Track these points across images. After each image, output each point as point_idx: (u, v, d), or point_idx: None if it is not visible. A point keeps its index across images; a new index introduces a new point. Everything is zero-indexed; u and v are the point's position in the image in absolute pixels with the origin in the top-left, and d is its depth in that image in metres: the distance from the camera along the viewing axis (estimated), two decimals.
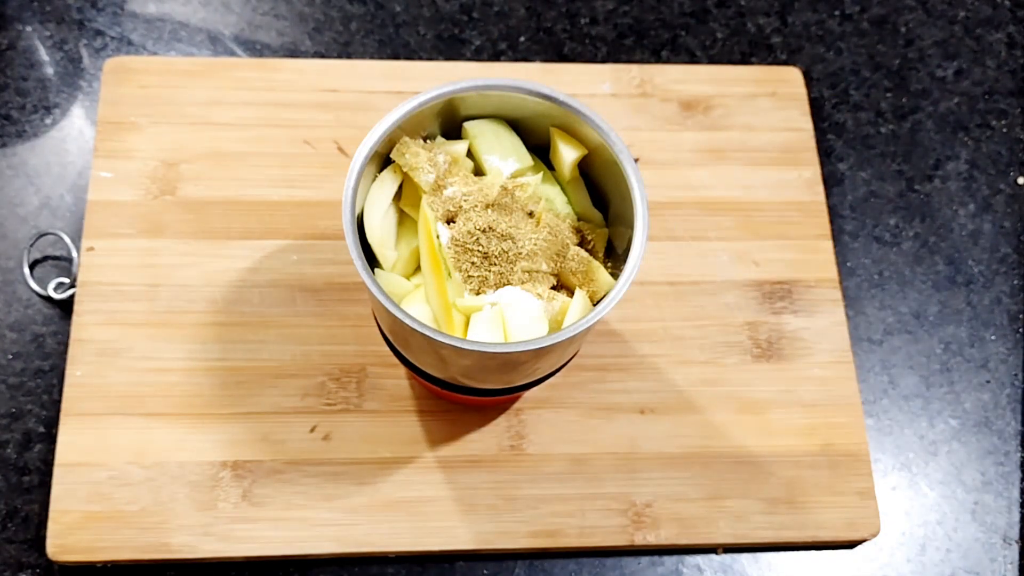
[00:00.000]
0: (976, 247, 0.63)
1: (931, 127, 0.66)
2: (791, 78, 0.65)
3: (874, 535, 0.54)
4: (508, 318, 0.43)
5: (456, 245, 0.44)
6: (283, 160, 0.59)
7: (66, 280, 0.57)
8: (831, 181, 0.64)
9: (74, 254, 0.57)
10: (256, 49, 0.65)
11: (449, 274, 0.45)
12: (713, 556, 0.54)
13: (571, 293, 0.45)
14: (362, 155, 0.44)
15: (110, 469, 0.51)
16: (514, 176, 0.47)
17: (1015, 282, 0.62)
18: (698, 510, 0.53)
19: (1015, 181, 0.65)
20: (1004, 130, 0.67)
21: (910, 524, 0.56)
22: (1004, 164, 0.66)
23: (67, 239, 0.57)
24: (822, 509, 0.54)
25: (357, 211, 0.44)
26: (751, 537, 0.53)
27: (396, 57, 0.65)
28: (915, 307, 0.61)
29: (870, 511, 0.54)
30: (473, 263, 0.44)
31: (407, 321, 0.40)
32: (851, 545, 0.55)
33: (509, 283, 0.44)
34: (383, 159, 0.46)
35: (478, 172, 0.47)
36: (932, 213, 0.64)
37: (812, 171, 0.62)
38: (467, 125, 0.47)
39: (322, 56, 0.65)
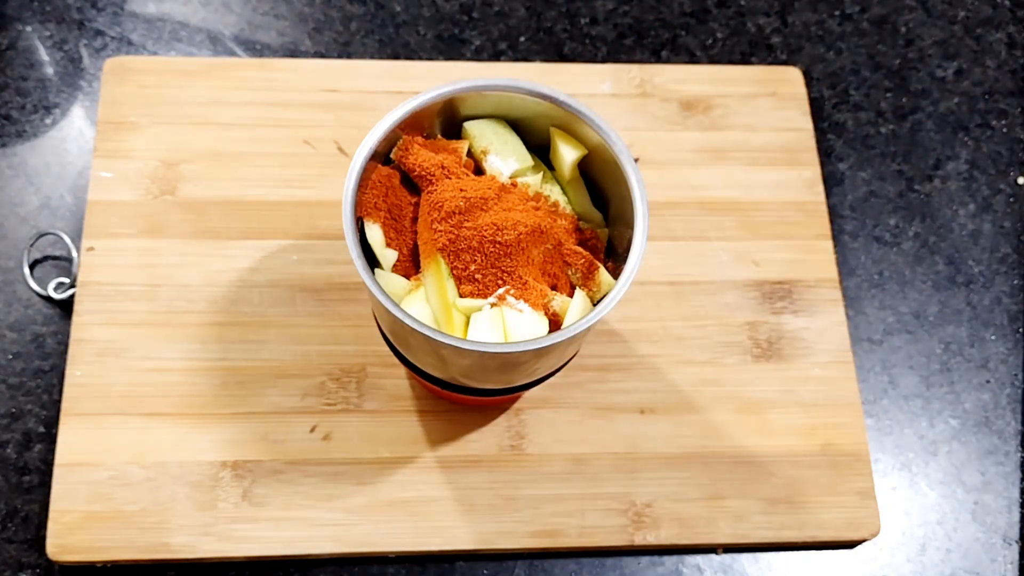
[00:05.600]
0: (976, 247, 0.63)
1: (931, 127, 0.66)
2: (791, 78, 0.65)
3: (874, 535, 0.54)
4: (508, 318, 0.43)
5: None
6: (283, 160, 0.59)
7: (66, 280, 0.57)
8: (831, 181, 0.64)
9: (74, 254, 0.57)
10: (256, 49, 0.65)
11: (449, 274, 0.45)
12: (713, 556, 0.54)
13: (571, 293, 0.45)
14: (362, 155, 0.44)
15: (110, 469, 0.51)
16: (514, 176, 0.47)
17: (1015, 282, 0.62)
18: (698, 510, 0.53)
19: (1015, 181, 0.65)
20: (1004, 130, 0.67)
21: (910, 524, 0.56)
22: (1004, 164, 0.66)
23: (67, 239, 0.57)
24: (822, 509, 0.54)
25: (357, 211, 0.44)
26: (751, 537, 0.53)
27: (396, 57, 0.65)
28: (915, 307, 0.61)
29: (870, 511, 0.54)
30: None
31: (407, 321, 0.40)
32: (851, 545, 0.55)
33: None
34: (383, 159, 0.46)
35: (478, 172, 0.47)
36: (932, 213, 0.64)
37: (812, 171, 0.62)
38: (467, 125, 0.47)
39: (322, 56, 0.65)
